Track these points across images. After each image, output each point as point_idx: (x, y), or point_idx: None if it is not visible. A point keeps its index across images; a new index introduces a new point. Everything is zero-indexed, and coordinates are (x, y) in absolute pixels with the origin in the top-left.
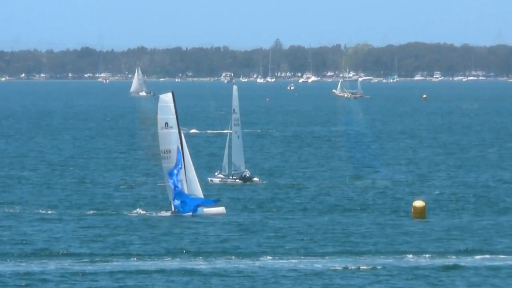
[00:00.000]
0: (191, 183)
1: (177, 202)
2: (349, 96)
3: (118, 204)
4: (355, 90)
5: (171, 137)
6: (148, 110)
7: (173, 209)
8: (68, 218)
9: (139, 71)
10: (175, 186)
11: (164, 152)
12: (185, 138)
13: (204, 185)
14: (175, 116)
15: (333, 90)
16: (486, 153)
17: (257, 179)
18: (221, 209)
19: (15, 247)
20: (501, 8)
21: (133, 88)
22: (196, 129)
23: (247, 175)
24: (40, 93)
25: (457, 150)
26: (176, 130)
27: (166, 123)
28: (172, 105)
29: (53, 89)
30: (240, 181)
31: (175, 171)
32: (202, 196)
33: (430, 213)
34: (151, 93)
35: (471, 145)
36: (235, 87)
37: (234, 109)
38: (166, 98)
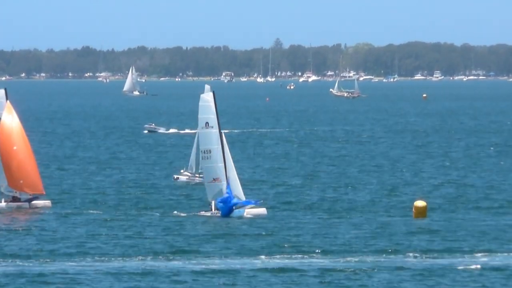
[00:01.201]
0: (232, 182)
1: (220, 204)
2: (349, 95)
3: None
4: (352, 90)
5: (211, 137)
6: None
7: (213, 210)
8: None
9: (133, 70)
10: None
11: (205, 152)
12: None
13: (170, 182)
14: (215, 116)
15: (330, 90)
16: (487, 153)
17: None
18: (262, 210)
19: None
20: (501, 7)
21: (126, 87)
22: (176, 129)
23: None
24: (33, 93)
25: (458, 149)
26: (217, 130)
27: (207, 123)
28: (213, 104)
29: (47, 89)
30: None
31: (231, 200)
32: (243, 195)
33: (432, 212)
34: (144, 93)
35: (473, 145)
36: (207, 86)
37: None
38: (207, 98)
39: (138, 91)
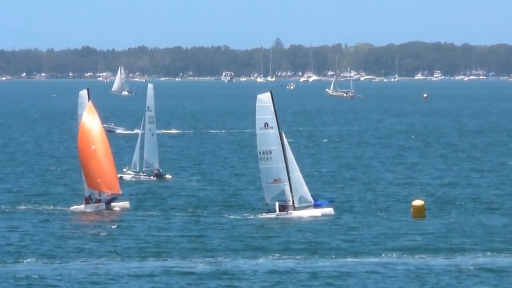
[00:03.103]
0: (296, 183)
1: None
2: (347, 95)
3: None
4: (348, 90)
5: (271, 137)
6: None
7: (277, 211)
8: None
9: (122, 70)
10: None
11: (264, 153)
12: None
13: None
14: (274, 116)
15: (326, 90)
16: (486, 153)
17: (170, 176)
18: (329, 210)
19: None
20: (502, 7)
21: (115, 87)
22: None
23: (159, 172)
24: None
25: (457, 150)
26: (276, 131)
27: (266, 123)
28: (271, 105)
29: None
30: (154, 177)
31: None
32: (309, 196)
33: (430, 212)
34: (133, 93)
35: (472, 145)
36: (150, 86)
37: (148, 107)
38: (265, 98)
39: (127, 91)
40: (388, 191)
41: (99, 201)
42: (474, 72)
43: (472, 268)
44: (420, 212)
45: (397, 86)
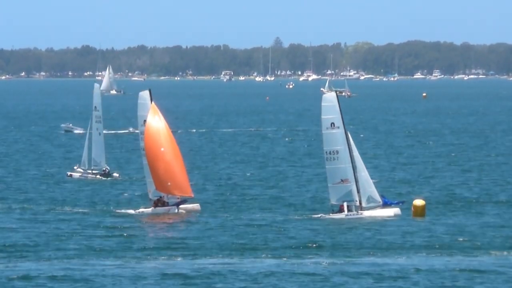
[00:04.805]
0: (364, 183)
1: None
2: (346, 95)
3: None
4: (343, 89)
5: (338, 137)
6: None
7: (345, 211)
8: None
9: (110, 69)
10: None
11: (330, 153)
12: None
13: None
14: (340, 116)
15: (321, 89)
16: (486, 152)
17: (117, 175)
18: (397, 210)
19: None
20: (501, 6)
21: (103, 86)
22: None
23: (107, 170)
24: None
25: (457, 149)
26: (343, 130)
27: (332, 123)
28: (337, 104)
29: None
30: (100, 176)
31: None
32: (378, 195)
33: (430, 211)
34: (122, 92)
35: (471, 145)
36: (96, 85)
37: (95, 107)
38: (330, 98)
39: (116, 90)
40: (389, 189)
41: (167, 203)
42: (473, 71)
43: (472, 267)
44: (420, 212)
45: (396, 85)
